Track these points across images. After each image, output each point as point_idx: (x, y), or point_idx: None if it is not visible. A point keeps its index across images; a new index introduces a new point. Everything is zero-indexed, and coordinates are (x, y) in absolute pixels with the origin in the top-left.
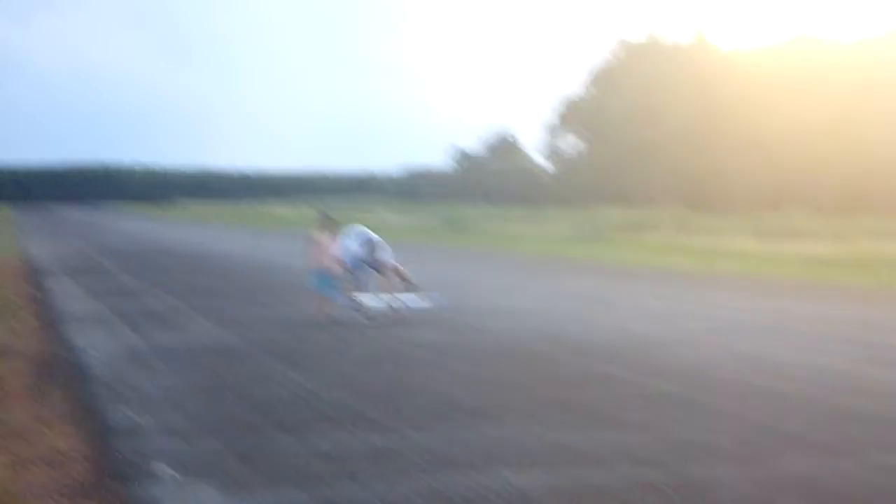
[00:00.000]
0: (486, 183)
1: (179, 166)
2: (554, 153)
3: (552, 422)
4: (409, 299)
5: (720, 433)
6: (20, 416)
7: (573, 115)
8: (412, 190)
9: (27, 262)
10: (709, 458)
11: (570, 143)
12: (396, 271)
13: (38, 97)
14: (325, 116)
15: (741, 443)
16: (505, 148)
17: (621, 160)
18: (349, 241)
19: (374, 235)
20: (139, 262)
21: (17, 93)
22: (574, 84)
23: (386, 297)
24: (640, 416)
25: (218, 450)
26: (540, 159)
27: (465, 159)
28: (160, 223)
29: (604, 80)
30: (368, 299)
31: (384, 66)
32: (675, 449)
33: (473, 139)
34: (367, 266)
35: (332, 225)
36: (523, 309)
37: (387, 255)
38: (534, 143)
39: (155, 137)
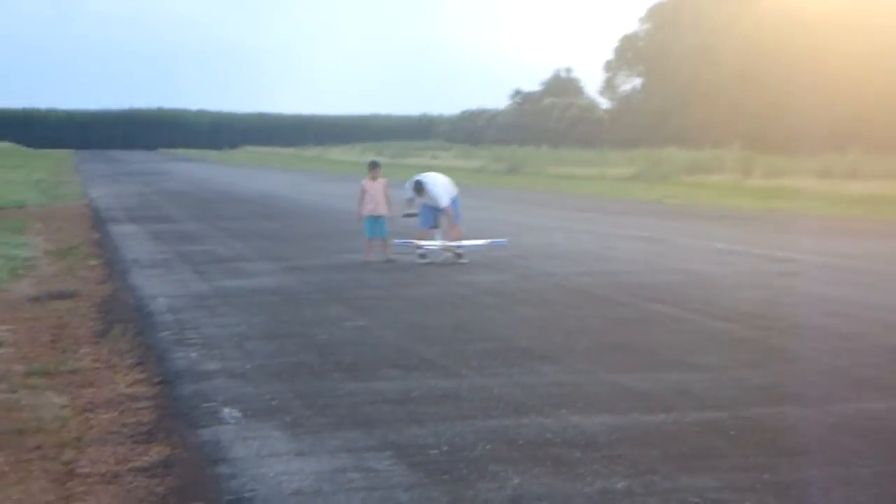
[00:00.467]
0: (545, 124)
1: (240, 111)
2: (613, 93)
3: (615, 364)
4: (471, 242)
5: (786, 375)
6: (86, 360)
7: (632, 54)
8: (471, 132)
9: (91, 208)
10: (775, 400)
11: (629, 83)
12: (448, 217)
13: (98, 42)
14: (385, 60)
15: (808, 385)
16: (564, 88)
17: (681, 99)
18: (420, 187)
19: (437, 180)
20: (202, 206)
21: (79, 38)
22: (632, 22)
23: (447, 240)
24: (705, 358)
25: (282, 393)
26: (599, 99)
27: (524, 100)
28: (221, 168)
29: (661, 17)
30: (429, 243)
31: (443, 8)
32: (741, 391)
33: (532, 80)
34: (432, 210)
35: (379, 171)
36: (585, 251)
37: (444, 200)
38: (593, 84)
39: (215, 82)
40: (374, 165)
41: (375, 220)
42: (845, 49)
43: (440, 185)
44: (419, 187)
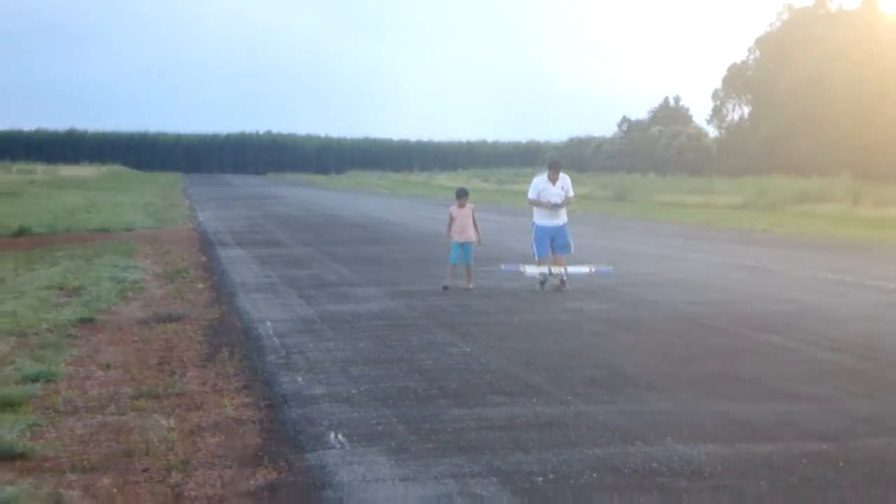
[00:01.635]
0: (652, 152)
1: (347, 136)
2: (721, 121)
3: (721, 394)
4: (576, 269)
5: (894, 406)
6: (193, 383)
7: (740, 83)
8: (578, 159)
9: (199, 231)
10: (884, 433)
11: (737, 111)
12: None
13: (209, 65)
14: (495, 87)
15: None
16: (672, 116)
17: (789, 128)
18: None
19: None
20: (308, 230)
21: (190, 61)
22: (741, 51)
23: (553, 266)
24: (812, 389)
25: (387, 418)
26: (707, 128)
27: (632, 128)
28: (329, 192)
29: (770, 45)
30: (536, 268)
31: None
32: (849, 423)
33: (641, 108)
34: (546, 239)
35: (467, 198)
36: (691, 279)
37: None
38: (701, 112)
39: (324, 107)
40: (461, 193)
41: (462, 246)
42: None
43: (567, 185)
44: (556, 167)
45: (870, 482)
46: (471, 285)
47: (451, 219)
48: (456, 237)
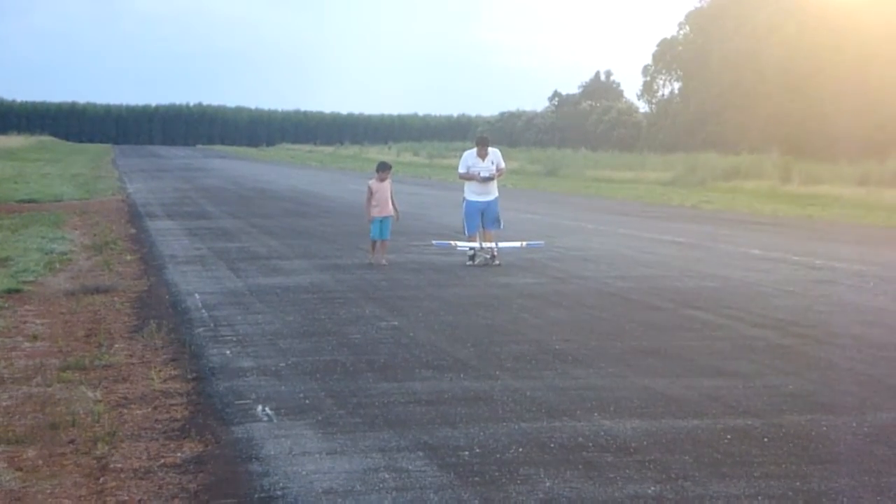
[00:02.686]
0: (583, 127)
1: (279, 108)
2: (651, 96)
3: (648, 369)
4: (508, 244)
5: (820, 383)
6: (121, 355)
7: (670, 58)
8: (509, 134)
9: (129, 203)
10: (809, 408)
11: (668, 87)
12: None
13: (140, 38)
14: (424, 61)
15: (842, 393)
16: (603, 91)
17: (719, 104)
18: (484, 142)
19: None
20: (238, 203)
21: (121, 34)
22: (671, 26)
23: (484, 241)
24: (738, 365)
25: (315, 392)
26: (638, 103)
27: (563, 103)
28: (259, 164)
29: (701, 20)
30: (466, 243)
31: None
32: (774, 398)
33: (571, 83)
34: (476, 214)
35: (388, 172)
36: (621, 255)
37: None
38: (632, 87)
39: (254, 80)
40: (383, 167)
41: (382, 221)
42: (888, 56)
43: (498, 158)
44: (483, 142)
45: (793, 458)
46: (384, 261)
47: (371, 192)
48: (376, 213)
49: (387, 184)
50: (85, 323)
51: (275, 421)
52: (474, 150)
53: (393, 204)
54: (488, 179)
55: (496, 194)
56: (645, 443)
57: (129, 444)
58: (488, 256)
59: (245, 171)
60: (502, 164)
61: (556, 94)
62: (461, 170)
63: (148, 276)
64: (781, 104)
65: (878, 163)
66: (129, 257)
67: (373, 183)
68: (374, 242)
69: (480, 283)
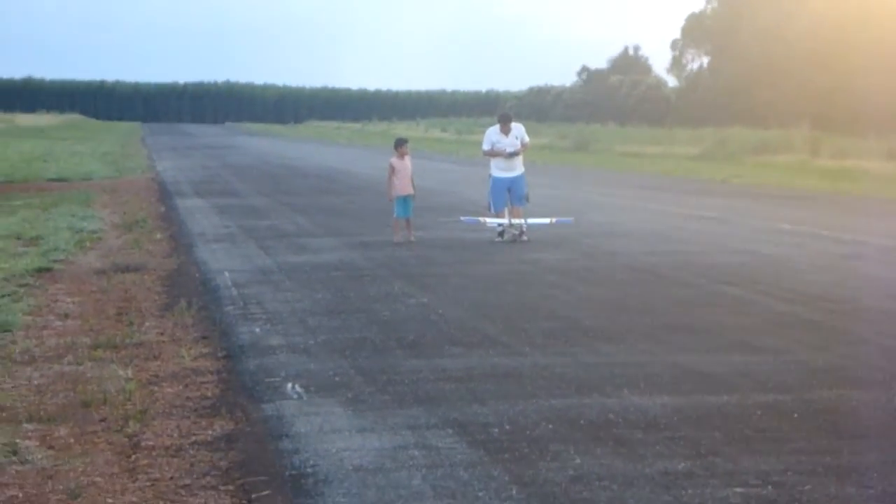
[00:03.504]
0: (612, 102)
1: (305, 85)
2: (680, 71)
3: (678, 345)
4: (537, 221)
5: (850, 358)
6: (151, 333)
7: (699, 32)
8: (538, 109)
9: (158, 181)
10: (838, 384)
11: (696, 62)
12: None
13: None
14: (454, 36)
15: (872, 368)
16: (632, 66)
17: (748, 79)
18: (507, 119)
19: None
20: (267, 180)
21: (147, 12)
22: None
23: (513, 218)
24: (769, 341)
25: (345, 369)
26: (667, 77)
27: (591, 78)
28: (287, 142)
29: None
30: (495, 220)
31: None
32: (804, 374)
33: (600, 58)
34: (503, 192)
35: (407, 146)
36: (650, 230)
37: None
38: (661, 62)
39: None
40: (401, 143)
41: (405, 199)
42: None
43: (521, 133)
44: (506, 119)
45: (823, 433)
46: (413, 238)
47: (393, 170)
48: (398, 191)
49: (407, 160)
50: (115, 301)
51: (304, 398)
52: (497, 126)
53: (412, 181)
54: (514, 155)
55: (522, 170)
56: (675, 419)
57: (161, 422)
58: (517, 232)
59: (273, 148)
60: (526, 139)
61: (584, 68)
62: (485, 146)
63: (177, 255)
64: (810, 78)
65: None
66: (158, 235)
67: (394, 160)
68: (397, 221)
69: (509, 260)
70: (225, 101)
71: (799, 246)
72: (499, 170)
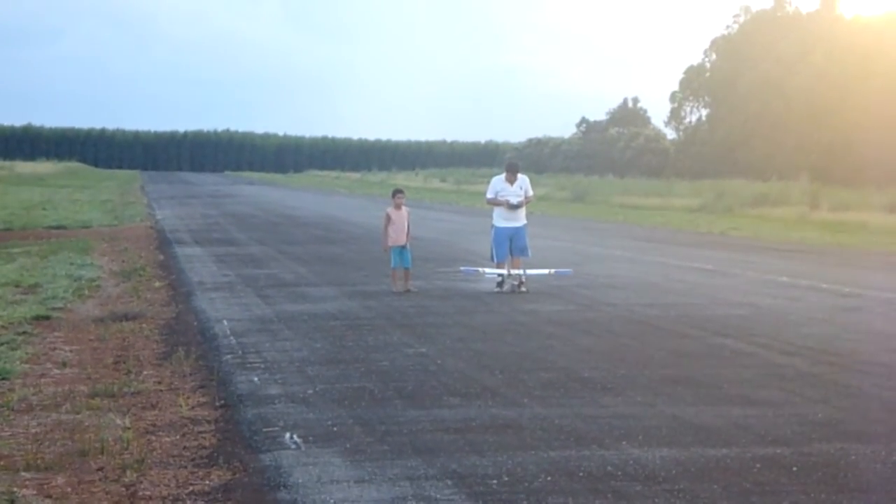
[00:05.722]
0: (610, 153)
1: (305, 135)
2: (679, 123)
3: (677, 397)
4: (536, 271)
5: (849, 411)
6: (149, 382)
7: (697, 85)
8: (536, 160)
9: (157, 229)
10: (838, 438)
11: (695, 114)
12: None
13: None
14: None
15: (871, 421)
16: (630, 118)
17: (747, 131)
18: (514, 168)
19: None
20: (266, 229)
21: (150, 60)
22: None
23: (511, 268)
24: (767, 393)
25: (343, 419)
26: (665, 130)
27: (590, 129)
28: (287, 191)
29: (728, 48)
30: (494, 270)
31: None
32: (804, 427)
33: (599, 109)
34: (505, 242)
35: (403, 197)
36: (648, 282)
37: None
38: (659, 114)
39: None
40: (396, 193)
41: (401, 249)
42: None
43: (526, 185)
44: (513, 168)
45: (822, 487)
46: (413, 288)
47: (389, 220)
48: (391, 242)
49: (404, 211)
50: (113, 350)
51: (303, 448)
52: (503, 175)
53: (408, 232)
54: (516, 206)
55: (525, 221)
56: (674, 472)
57: (158, 472)
58: (516, 283)
59: (273, 197)
60: (531, 192)
61: (583, 120)
62: (489, 195)
63: (176, 303)
64: (809, 131)
65: None
66: (157, 284)
67: (391, 210)
68: (394, 271)
69: (508, 310)
70: (224, 149)
71: (798, 299)
72: (502, 220)
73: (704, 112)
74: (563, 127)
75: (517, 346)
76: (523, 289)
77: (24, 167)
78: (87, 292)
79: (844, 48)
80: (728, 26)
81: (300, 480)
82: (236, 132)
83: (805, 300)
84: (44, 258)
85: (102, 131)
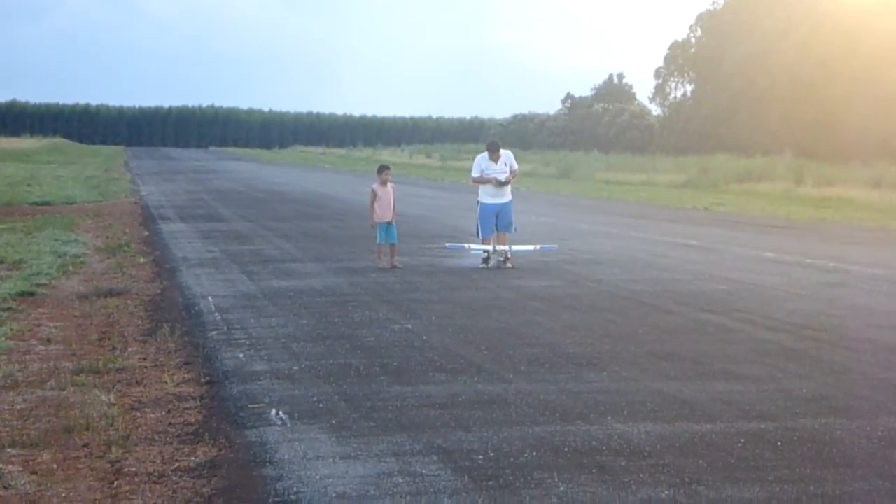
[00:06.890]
0: (596, 129)
1: (290, 110)
2: (663, 99)
3: (661, 373)
4: (522, 247)
5: (833, 387)
6: (134, 358)
7: (682, 61)
8: (522, 136)
9: (142, 205)
10: (821, 412)
11: (680, 90)
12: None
13: (153, 40)
14: (440, 63)
15: (856, 397)
16: (615, 94)
17: (732, 107)
18: (495, 148)
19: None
20: (251, 205)
21: (135, 36)
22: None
23: (497, 244)
24: (751, 369)
25: (329, 395)
26: (650, 106)
27: (575, 105)
28: (271, 167)
29: (713, 23)
30: (479, 246)
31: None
32: (788, 402)
33: (584, 85)
34: (491, 217)
35: (389, 173)
36: (633, 258)
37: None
38: (644, 90)
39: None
40: (382, 169)
41: (387, 225)
42: None
43: (510, 160)
44: (494, 147)
45: (807, 462)
46: (398, 264)
47: (375, 196)
48: (378, 218)
49: (389, 188)
50: (98, 326)
51: (288, 425)
52: (486, 153)
53: (393, 208)
54: (504, 183)
55: (510, 197)
56: (658, 447)
57: (143, 448)
58: (501, 259)
59: (258, 173)
60: (515, 166)
61: (568, 96)
62: (474, 174)
63: (161, 279)
64: (793, 107)
65: (891, 164)
66: (142, 260)
67: (376, 186)
68: (380, 246)
69: (494, 286)
70: (209, 125)
71: (782, 274)
72: (487, 196)
73: (689, 88)
74: (548, 103)
75: (503, 321)
76: (509, 265)
77: (8, 143)
78: (71, 268)
79: (829, 25)
80: (714, 2)
81: (286, 457)
82: (221, 108)
83: (790, 276)
84: (28, 234)
85: (87, 107)
